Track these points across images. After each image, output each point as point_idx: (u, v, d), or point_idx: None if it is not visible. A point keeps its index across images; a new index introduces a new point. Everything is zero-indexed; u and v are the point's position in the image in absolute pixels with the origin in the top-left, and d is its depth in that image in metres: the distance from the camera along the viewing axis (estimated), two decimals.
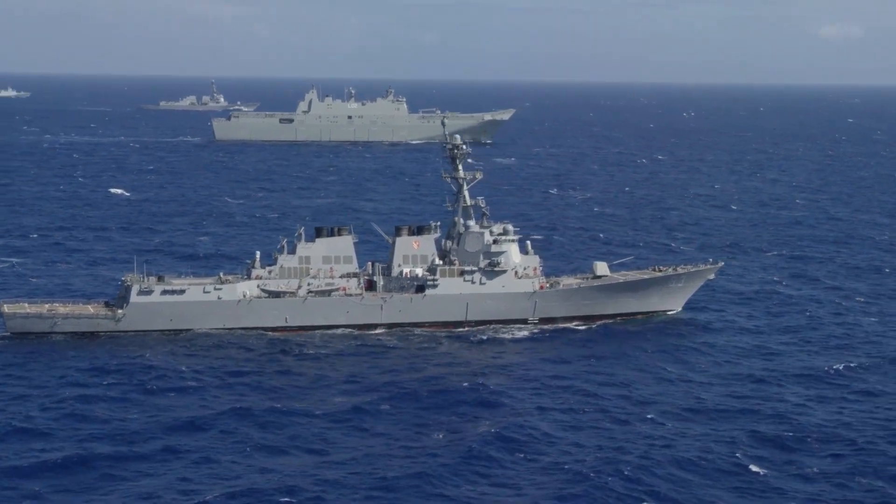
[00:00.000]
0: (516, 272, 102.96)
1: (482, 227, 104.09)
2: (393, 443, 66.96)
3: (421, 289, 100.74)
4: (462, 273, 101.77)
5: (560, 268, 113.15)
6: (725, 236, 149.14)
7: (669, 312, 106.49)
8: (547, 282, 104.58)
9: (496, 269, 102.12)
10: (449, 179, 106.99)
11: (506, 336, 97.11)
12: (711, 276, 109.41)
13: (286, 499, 57.18)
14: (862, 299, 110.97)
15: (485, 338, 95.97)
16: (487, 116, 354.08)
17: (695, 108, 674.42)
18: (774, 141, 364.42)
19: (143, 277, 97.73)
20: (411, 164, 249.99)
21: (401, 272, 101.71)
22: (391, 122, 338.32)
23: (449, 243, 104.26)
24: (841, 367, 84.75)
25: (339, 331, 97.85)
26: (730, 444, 66.57)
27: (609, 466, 61.99)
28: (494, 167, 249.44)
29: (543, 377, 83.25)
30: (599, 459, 63.19)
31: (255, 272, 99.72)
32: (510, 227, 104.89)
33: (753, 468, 62.73)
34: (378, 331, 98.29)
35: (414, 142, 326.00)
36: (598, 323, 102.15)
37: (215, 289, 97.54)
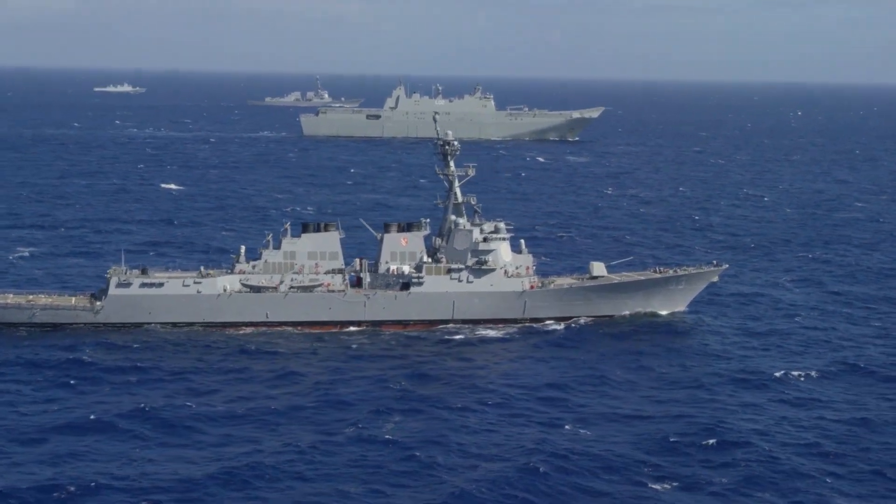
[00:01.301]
0: (506, 271, 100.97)
1: (473, 224, 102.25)
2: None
3: (406, 286, 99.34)
4: (449, 271, 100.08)
5: (574, 268, 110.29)
6: (754, 238, 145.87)
7: (662, 314, 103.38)
8: (539, 281, 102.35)
9: (483, 267, 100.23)
10: (441, 176, 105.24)
11: (478, 335, 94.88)
12: (715, 279, 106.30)
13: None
14: (859, 305, 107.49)
15: (458, 337, 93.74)
16: (575, 114, 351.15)
17: (809, 108, 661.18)
18: (871, 142, 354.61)
19: (125, 270, 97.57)
20: (471, 161, 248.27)
21: (387, 269, 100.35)
22: (477, 119, 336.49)
23: (439, 241, 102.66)
24: (797, 374, 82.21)
25: (316, 329, 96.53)
26: (641, 450, 64.59)
27: (508, 468, 60.31)
28: (556, 165, 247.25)
29: (474, 374, 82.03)
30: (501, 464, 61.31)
31: (238, 266, 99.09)
32: (502, 226, 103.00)
33: (648, 475, 60.90)
34: (350, 328, 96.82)
35: (499, 139, 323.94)
36: (582, 322, 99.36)
37: (195, 282, 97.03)
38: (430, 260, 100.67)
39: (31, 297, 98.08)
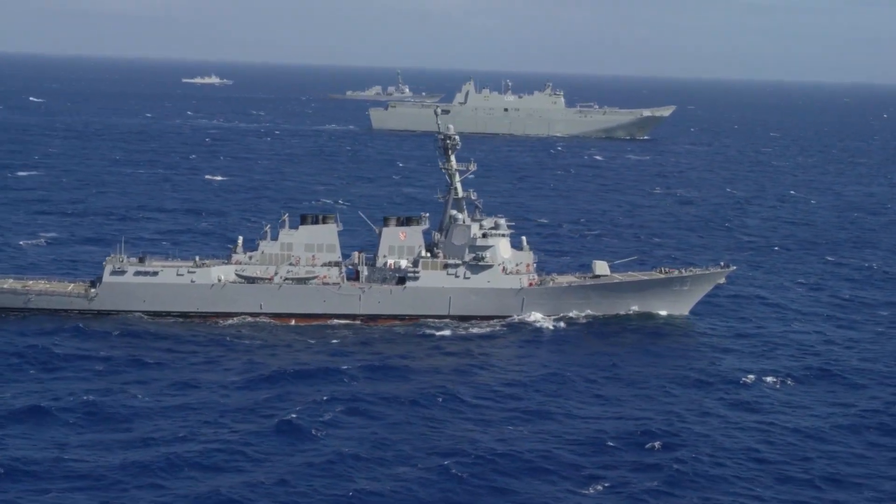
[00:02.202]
0: (504, 268, 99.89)
1: (473, 220, 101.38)
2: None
3: (402, 281, 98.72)
4: (445, 266, 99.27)
5: (580, 266, 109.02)
6: (782, 240, 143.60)
7: (661, 314, 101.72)
8: (539, 279, 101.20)
9: (480, 263, 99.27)
10: (443, 170, 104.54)
11: (462, 332, 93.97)
12: (722, 281, 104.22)
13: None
14: (861, 311, 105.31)
15: (440, 333, 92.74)
16: (646, 112, 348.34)
17: None
18: None
19: (123, 258, 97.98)
20: (524, 156, 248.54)
21: (385, 263, 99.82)
22: (547, 115, 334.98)
23: (438, 236, 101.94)
24: (768, 379, 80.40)
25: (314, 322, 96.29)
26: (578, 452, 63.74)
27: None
28: (611, 164, 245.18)
29: (437, 369, 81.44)
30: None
31: (235, 257, 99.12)
32: (502, 222, 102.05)
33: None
34: (342, 322, 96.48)
35: (565, 135, 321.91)
36: (575, 321, 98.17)
37: (189, 272, 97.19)
38: (428, 255, 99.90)
39: (30, 282, 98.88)
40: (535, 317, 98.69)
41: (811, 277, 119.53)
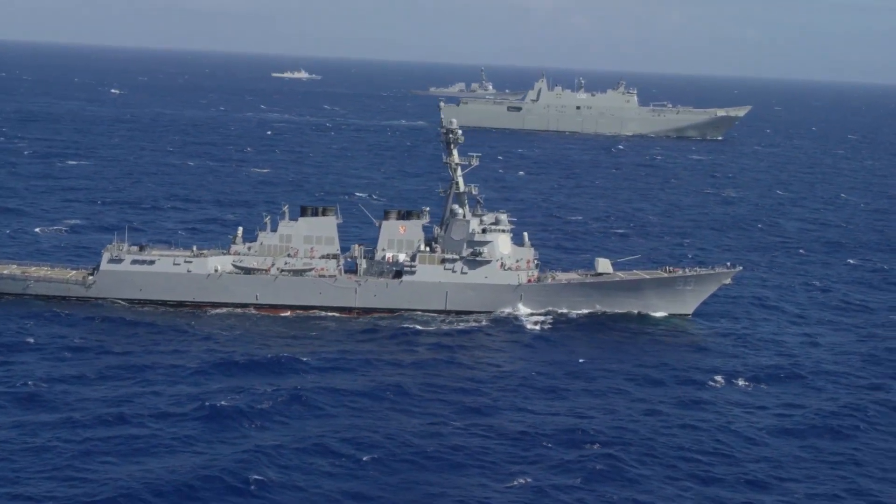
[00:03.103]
0: (502, 263, 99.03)
1: (475, 214, 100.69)
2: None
3: (399, 274, 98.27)
4: (443, 261, 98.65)
5: (584, 263, 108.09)
6: (811, 241, 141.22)
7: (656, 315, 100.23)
8: (541, 276, 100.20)
9: (478, 258, 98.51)
10: (446, 165, 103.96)
11: (443, 327, 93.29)
12: (727, 281, 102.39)
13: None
14: (862, 314, 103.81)
15: (424, 328, 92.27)
16: (720, 112, 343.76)
17: None
18: None
19: (126, 246, 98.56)
20: (581, 154, 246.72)
21: (383, 256, 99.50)
22: (619, 113, 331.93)
23: (438, 230, 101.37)
24: (737, 382, 79.57)
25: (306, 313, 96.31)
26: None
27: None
28: (667, 163, 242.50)
29: (391, 361, 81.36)
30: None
31: (234, 247, 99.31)
32: (502, 217, 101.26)
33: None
34: (332, 314, 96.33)
35: (637, 134, 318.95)
36: (567, 319, 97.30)
37: (185, 261, 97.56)
38: (427, 249, 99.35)
39: (32, 268, 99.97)
40: (523, 312, 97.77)
41: (823, 280, 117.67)
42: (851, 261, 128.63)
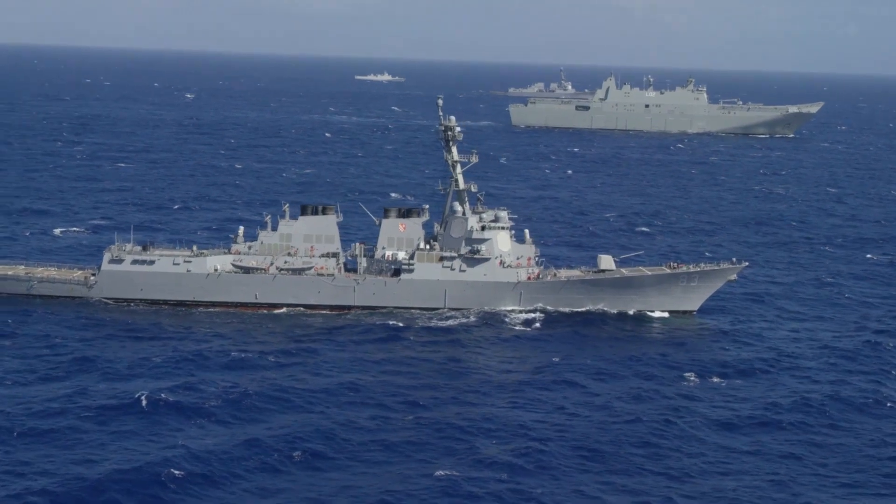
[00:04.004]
0: (502, 261, 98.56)
1: (475, 212, 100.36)
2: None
3: (398, 273, 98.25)
4: (441, 259, 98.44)
5: (588, 260, 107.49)
6: (839, 237, 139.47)
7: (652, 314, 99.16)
8: (543, 273, 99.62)
9: (476, 256, 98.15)
10: (446, 162, 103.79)
11: (426, 324, 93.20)
12: (733, 277, 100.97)
13: None
14: (859, 311, 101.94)
15: (404, 325, 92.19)
16: (792, 109, 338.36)
17: None
18: None
19: (127, 246, 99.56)
20: (636, 152, 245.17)
21: (383, 255, 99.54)
22: (689, 111, 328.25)
23: (438, 227, 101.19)
24: (690, 377, 79.28)
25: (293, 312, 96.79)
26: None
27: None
28: (720, 160, 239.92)
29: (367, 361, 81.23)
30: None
31: (235, 247, 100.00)
32: (503, 214, 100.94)
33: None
34: (325, 312, 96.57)
35: (706, 131, 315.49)
36: (552, 316, 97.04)
37: (185, 261, 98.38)
38: (427, 247, 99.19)
39: (39, 269, 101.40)
40: (522, 310, 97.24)
41: (834, 276, 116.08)
42: (870, 255, 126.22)
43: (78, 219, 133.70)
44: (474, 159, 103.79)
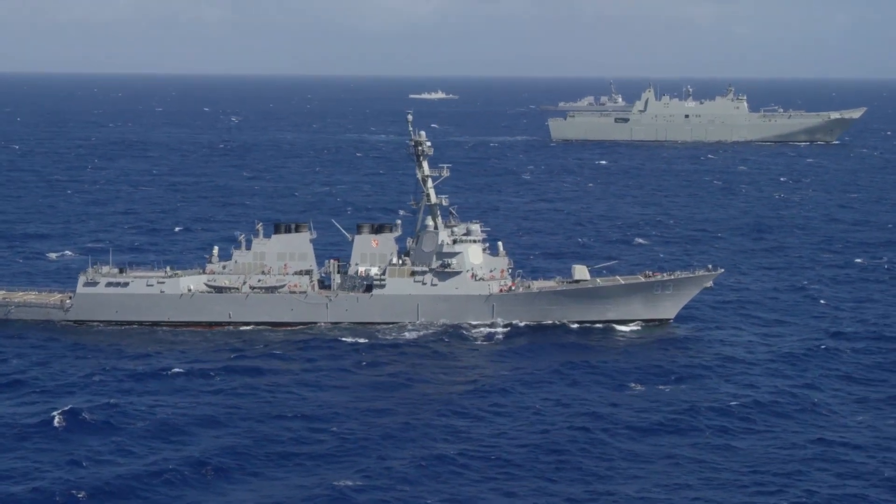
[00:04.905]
0: (473, 274, 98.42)
1: (447, 226, 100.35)
2: None
3: (370, 288, 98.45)
4: (413, 273, 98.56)
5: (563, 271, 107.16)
6: (843, 243, 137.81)
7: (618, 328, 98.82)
8: (518, 285, 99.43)
9: (447, 270, 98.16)
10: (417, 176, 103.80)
11: (389, 337, 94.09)
12: (709, 284, 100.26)
13: None
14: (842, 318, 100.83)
15: (363, 340, 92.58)
16: (834, 115, 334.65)
17: None
18: None
19: (105, 268, 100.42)
20: (665, 163, 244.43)
21: (356, 271, 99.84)
22: (729, 121, 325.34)
23: (411, 242, 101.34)
24: (661, 387, 79.15)
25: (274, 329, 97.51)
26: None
27: None
28: (749, 170, 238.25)
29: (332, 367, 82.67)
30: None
31: (209, 266, 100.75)
32: (475, 227, 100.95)
33: None
34: (296, 328, 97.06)
35: (747, 140, 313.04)
36: (517, 328, 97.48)
37: (158, 282, 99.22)
38: (399, 262, 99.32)
39: (20, 293, 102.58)
40: (495, 323, 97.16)
41: (817, 282, 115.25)
42: (859, 260, 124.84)
43: (73, 242, 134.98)
44: (445, 173, 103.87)
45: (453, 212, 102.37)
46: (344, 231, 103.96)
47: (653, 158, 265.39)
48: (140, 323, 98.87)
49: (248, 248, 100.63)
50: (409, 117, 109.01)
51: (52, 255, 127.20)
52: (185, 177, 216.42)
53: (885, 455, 63.73)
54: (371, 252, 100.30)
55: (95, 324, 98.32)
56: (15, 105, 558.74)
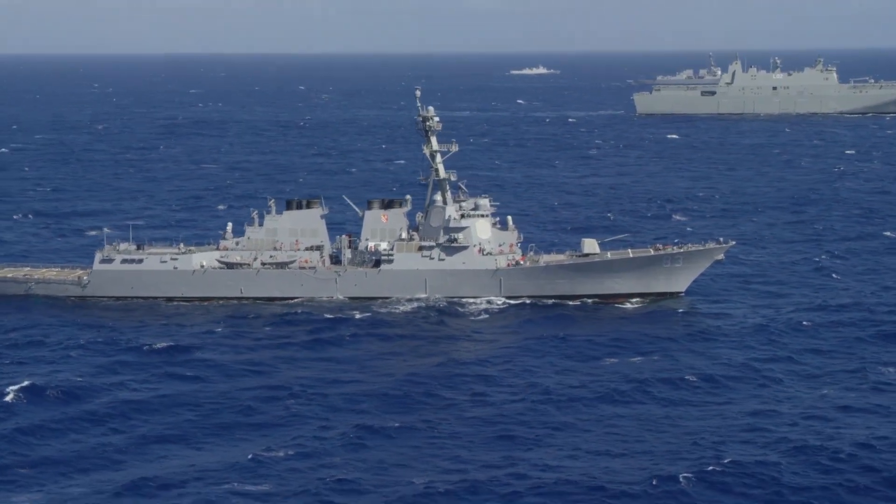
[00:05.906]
0: (481, 248, 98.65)
1: (456, 200, 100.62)
2: None
3: (378, 263, 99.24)
4: (420, 248, 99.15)
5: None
6: (870, 222, 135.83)
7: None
8: (524, 259, 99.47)
9: (454, 244, 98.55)
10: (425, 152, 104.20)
11: (383, 310, 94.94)
12: (720, 257, 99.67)
13: None
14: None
15: (366, 315, 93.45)
16: None
17: None
18: None
19: (122, 245, 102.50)
20: (731, 137, 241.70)
21: (366, 246, 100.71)
22: (819, 92, 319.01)
23: (420, 217, 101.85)
24: (609, 361, 79.65)
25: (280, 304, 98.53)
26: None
27: None
28: (821, 143, 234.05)
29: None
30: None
31: (223, 243, 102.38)
32: (483, 202, 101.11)
33: None
34: (296, 301, 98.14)
35: (838, 112, 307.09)
36: (518, 301, 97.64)
37: (171, 259, 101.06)
38: (408, 237, 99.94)
39: (42, 269, 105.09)
40: (502, 297, 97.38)
41: (839, 255, 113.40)
42: (888, 233, 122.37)
43: (116, 220, 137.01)
44: (454, 148, 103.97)
45: (462, 186, 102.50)
46: (355, 206, 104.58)
47: (728, 132, 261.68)
48: (154, 298, 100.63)
49: (261, 224, 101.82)
50: (417, 93, 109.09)
51: (92, 233, 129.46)
52: (251, 155, 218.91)
53: (809, 424, 63.58)
54: (381, 227, 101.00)
55: (110, 300, 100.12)
56: (117, 85, 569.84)
